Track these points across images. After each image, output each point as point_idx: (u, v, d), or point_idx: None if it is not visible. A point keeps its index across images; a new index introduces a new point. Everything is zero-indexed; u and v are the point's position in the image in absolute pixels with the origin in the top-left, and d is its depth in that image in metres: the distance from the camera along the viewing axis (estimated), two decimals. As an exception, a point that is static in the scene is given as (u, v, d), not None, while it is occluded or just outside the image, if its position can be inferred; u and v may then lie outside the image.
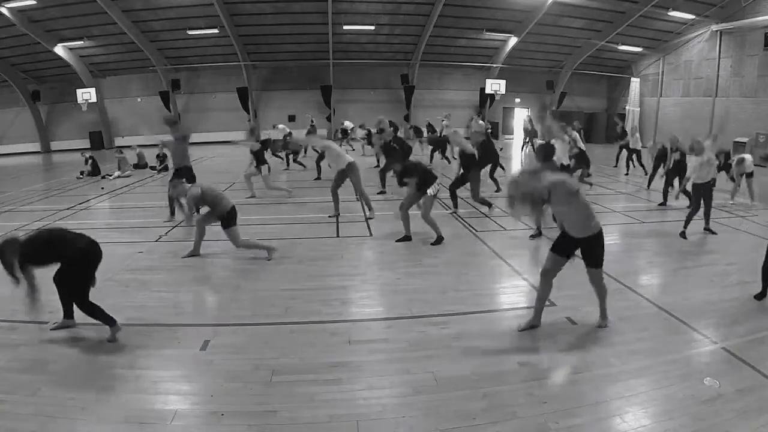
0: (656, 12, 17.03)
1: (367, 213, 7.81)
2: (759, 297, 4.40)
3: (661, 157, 9.98)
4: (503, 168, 11.12)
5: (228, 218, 5.51)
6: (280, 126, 15.94)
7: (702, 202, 6.67)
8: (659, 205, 8.68)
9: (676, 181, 8.50)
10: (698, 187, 6.66)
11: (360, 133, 15.79)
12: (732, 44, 16.81)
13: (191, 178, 7.23)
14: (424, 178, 6.09)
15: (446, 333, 3.85)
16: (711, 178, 6.63)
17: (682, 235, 6.64)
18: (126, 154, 13.25)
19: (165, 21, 17.59)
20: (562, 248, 3.77)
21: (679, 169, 8.35)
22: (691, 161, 6.82)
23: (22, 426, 2.71)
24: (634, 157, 12.67)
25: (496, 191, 9.40)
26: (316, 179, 11.35)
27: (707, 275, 5.19)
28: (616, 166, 13.41)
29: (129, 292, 4.69)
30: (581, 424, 2.74)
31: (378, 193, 9.47)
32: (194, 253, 5.80)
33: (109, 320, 3.71)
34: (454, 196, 8.00)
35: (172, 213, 7.73)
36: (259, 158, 9.17)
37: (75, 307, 3.75)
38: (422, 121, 18.39)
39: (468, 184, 7.87)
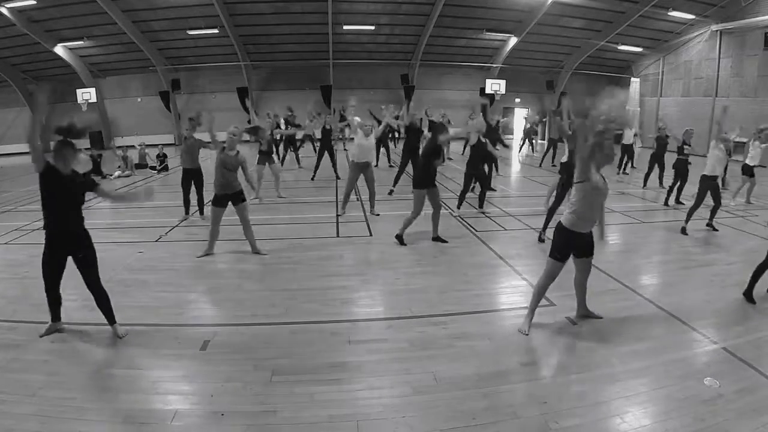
0: (656, 12, 17.03)
1: (371, 211, 7.85)
2: (748, 295, 4.36)
3: (658, 156, 10.06)
4: (497, 168, 11.49)
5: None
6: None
7: (710, 196, 6.65)
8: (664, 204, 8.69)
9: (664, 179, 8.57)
10: (706, 179, 6.60)
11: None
12: (732, 44, 16.82)
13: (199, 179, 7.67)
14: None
15: (446, 333, 3.84)
16: (719, 173, 6.62)
17: (683, 230, 6.67)
18: (129, 153, 13.25)
19: (165, 21, 17.58)
20: (565, 253, 3.78)
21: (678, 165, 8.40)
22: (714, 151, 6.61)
23: (22, 426, 2.71)
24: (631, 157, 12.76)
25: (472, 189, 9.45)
26: (311, 179, 11.36)
27: (707, 275, 5.19)
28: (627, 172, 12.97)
29: (129, 292, 4.69)
30: (581, 424, 2.74)
31: (389, 193, 9.39)
32: (208, 252, 5.87)
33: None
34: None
35: (187, 212, 7.79)
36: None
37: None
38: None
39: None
